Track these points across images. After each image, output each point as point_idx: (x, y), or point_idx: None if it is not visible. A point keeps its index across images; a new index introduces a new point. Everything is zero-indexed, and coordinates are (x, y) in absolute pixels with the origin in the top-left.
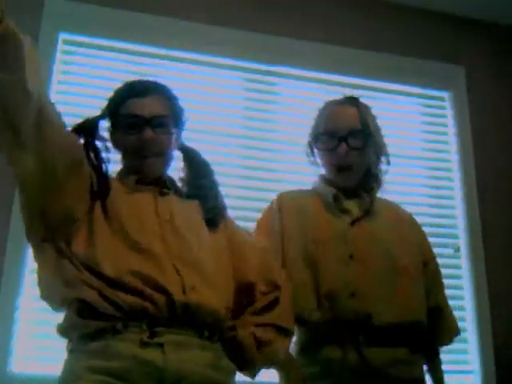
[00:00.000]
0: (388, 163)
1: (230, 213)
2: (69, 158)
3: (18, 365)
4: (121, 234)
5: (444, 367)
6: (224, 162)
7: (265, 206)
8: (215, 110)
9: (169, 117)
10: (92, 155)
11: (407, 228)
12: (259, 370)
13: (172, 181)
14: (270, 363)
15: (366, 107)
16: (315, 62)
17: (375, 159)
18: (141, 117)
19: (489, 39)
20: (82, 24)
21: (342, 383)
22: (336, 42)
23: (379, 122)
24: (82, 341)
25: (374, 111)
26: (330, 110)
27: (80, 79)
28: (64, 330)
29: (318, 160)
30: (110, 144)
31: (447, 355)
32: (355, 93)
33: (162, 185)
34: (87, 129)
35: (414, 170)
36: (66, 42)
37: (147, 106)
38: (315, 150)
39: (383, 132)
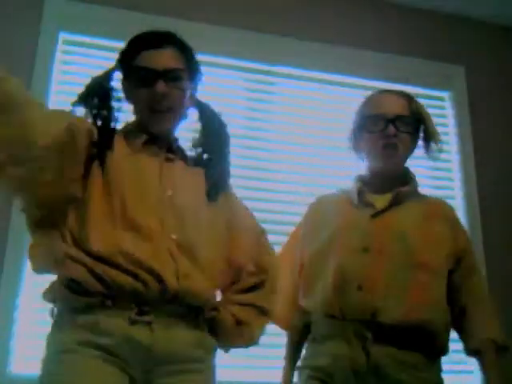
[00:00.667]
0: (440, 150)
1: None
2: (57, 153)
3: (17, 365)
4: (118, 206)
5: (444, 367)
6: None
7: (265, 206)
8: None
9: (183, 70)
10: (103, 113)
11: (439, 224)
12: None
13: (178, 144)
14: (246, 343)
15: (414, 98)
16: (315, 61)
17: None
18: (153, 70)
19: (489, 39)
20: (82, 24)
21: (346, 380)
22: (336, 42)
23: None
24: (70, 313)
25: None
26: (378, 96)
27: (80, 79)
28: (51, 299)
29: (362, 147)
30: (123, 103)
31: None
32: (355, 92)
33: (169, 147)
34: (99, 87)
35: (414, 170)
36: (65, 42)
37: (160, 59)
38: (357, 140)
39: None
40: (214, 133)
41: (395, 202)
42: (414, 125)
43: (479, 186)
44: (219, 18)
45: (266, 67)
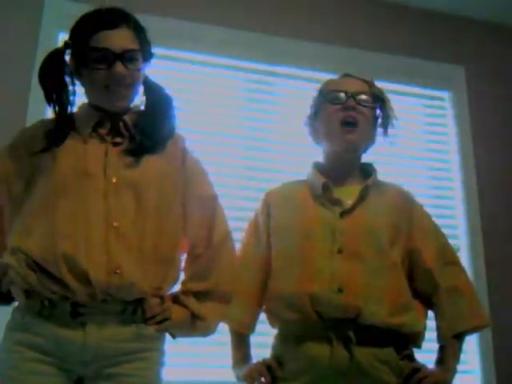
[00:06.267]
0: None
1: (229, 212)
2: None
3: None
4: (58, 200)
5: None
6: (223, 162)
7: None
8: (215, 110)
9: (139, 51)
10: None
11: (397, 219)
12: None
13: (128, 122)
14: (202, 336)
15: (375, 84)
16: (315, 61)
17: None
18: (111, 51)
19: (489, 39)
20: None
21: (327, 381)
22: (336, 42)
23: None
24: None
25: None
26: (338, 78)
27: None
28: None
29: (321, 129)
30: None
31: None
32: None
33: (118, 129)
34: (53, 68)
35: (414, 170)
36: None
37: (118, 40)
38: (316, 123)
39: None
40: (156, 102)
41: (362, 198)
42: (373, 104)
43: (479, 186)
44: (219, 18)
45: (265, 67)
